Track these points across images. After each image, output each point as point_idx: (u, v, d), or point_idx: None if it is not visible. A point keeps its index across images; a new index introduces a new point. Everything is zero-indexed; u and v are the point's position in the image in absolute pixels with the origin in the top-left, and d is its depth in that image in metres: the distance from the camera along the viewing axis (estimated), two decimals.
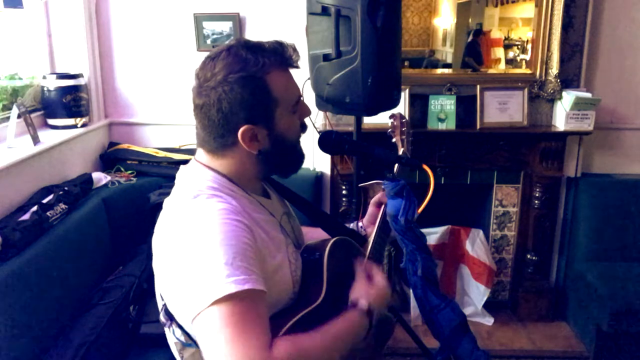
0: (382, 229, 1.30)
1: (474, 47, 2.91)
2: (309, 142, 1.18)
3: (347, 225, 1.43)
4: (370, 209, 1.42)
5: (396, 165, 1.37)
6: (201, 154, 1.12)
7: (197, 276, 0.92)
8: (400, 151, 1.49)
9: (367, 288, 1.14)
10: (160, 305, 1.09)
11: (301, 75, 2.04)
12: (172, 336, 1.09)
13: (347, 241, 1.25)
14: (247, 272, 0.91)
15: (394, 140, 1.52)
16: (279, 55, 1.06)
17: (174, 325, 1.05)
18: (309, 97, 1.97)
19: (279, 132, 1.07)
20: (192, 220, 0.98)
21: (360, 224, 1.45)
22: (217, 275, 0.90)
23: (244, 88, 1.01)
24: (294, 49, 1.09)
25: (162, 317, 1.08)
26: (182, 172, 1.13)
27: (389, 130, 1.55)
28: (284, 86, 1.06)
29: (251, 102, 1.02)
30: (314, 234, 1.34)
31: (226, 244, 0.93)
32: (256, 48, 1.05)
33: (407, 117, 2.62)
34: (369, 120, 2.54)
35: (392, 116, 1.58)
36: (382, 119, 2.27)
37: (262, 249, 1.01)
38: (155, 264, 1.05)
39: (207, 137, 1.08)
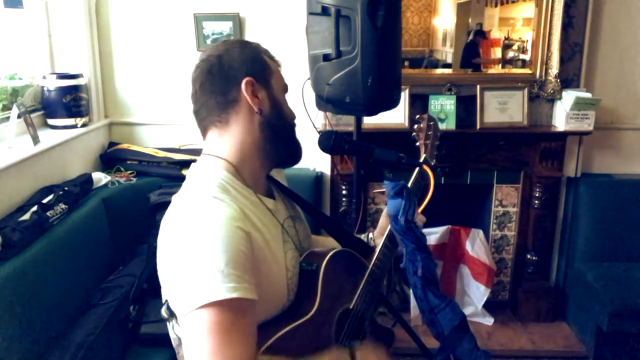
0: (391, 241, 1.29)
1: (473, 47, 2.91)
2: (309, 142, 1.18)
3: (357, 235, 1.41)
4: (382, 220, 1.41)
5: (416, 170, 1.34)
6: (208, 142, 1.13)
7: (190, 278, 0.92)
8: (422, 157, 1.45)
9: (367, 348, 1.13)
10: (164, 300, 1.10)
11: (301, 75, 2.04)
12: (172, 331, 1.10)
13: (348, 253, 1.23)
14: (238, 280, 0.91)
15: (417, 144, 1.48)
16: (265, 50, 1.17)
17: (173, 321, 1.05)
18: (309, 97, 1.97)
19: (276, 98, 1.14)
20: (193, 221, 0.98)
21: (370, 234, 1.43)
22: (207, 280, 0.90)
23: (242, 49, 1.13)
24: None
25: (163, 312, 1.08)
26: (192, 169, 1.13)
27: (413, 133, 1.50)
28: (274, 68, 1.16)
29: (252, 59, 1.12)
30: (324, 243, 1.34)
31: (222, 249, 0.93)
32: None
33: (407, 117, 2.64)
34: (369, 120, 2.54)
35: (418, 118, 1.52)
36: (382, 119, 2.27)
37: (258, 255, 1.01)
38: (158, 260, 1.06)
39: (209, 105, 1.11)
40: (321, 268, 1.12)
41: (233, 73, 1.09)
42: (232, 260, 0.92)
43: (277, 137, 1.13)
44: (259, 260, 1.02)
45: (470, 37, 2.88)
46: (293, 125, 1.18)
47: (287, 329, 1.02)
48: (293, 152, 1.18)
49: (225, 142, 1.10)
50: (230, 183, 1.07)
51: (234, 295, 0.89)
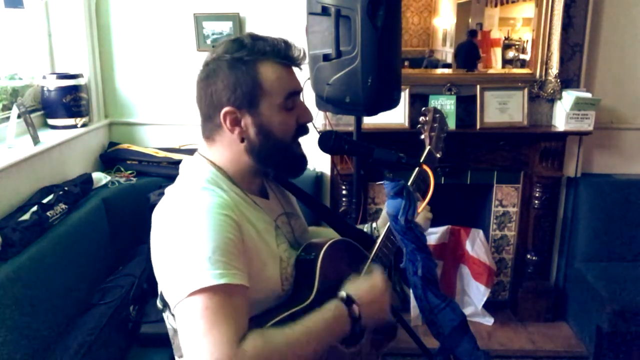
0: (392, 232, 1.28)
1: (471, 48, 2.91)
2: (309, 142, 1.18)
3: (359, 226, 1.41)
4: (385, 211, 1.41)
5: (415, 170, 1.33)
6: (201, 144, 1.14)
7: (179, 267, 0.94)
8: (427, 148, 1.45)
9: (358, 282, 1.12)
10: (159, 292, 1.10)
11: (301, 76, 2.04)
12: (167, 321, 1.11)
13: (348, 243, 1.23)
14: (225, 267, 0.92)
15: (422, 137, 1.48)
16: (279, 50, 1.08)
17: (167, 311, 1.07)
18: (309, 97, 1.97)
19: (264, 122, 1.07)
20: (181, 211, 1.00)
21: (374, 225, 1.44)
22: (195, 268, 0.92)
23: (231, 69, 1.04)
24: (302, 52, 1.11)
25: (158, 303, 1.09)
26: (184, 163, 1.15)
27: (418, 126, 1.50)
28: (275, 78, 1.07)
29: (236, 84, 1.04)
30: (325, 234, 1.34)
31: (209, 237, 0.94)
32: (259, 38, 1.08)
33: (407, 117, 2.64)
34: (369, 120, 2.54)
35: (424, 110, 1.50)
36: (382, 119, 2.27)
37: (249, 245, 1.02)
38: (151, 252, 1.07)
39: (201, 120, 1.11)
40: (319, 257, 1.12)
41: (216, 99, 1.05)
42: (219, 248, 0.94)
43: (267, 160, 1.11)
44: (251, 250, 1.03)
45: (466, 38, 2.89)
46: (287, 145, 1.11)
47: (283, 315, 1.02)
48: (289, 169, 1.16)
49: (214, 153, 1.11)
50: (218, 179, 1.08)
51: (222, 281, 0.91)
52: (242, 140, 1.08)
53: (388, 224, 1.27)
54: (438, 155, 1.46)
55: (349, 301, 1.06)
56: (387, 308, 1.14)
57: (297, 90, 1.12)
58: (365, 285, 1.12)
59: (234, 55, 1.04)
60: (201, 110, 1.10)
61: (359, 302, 1.07)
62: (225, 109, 1.05)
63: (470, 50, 2.91)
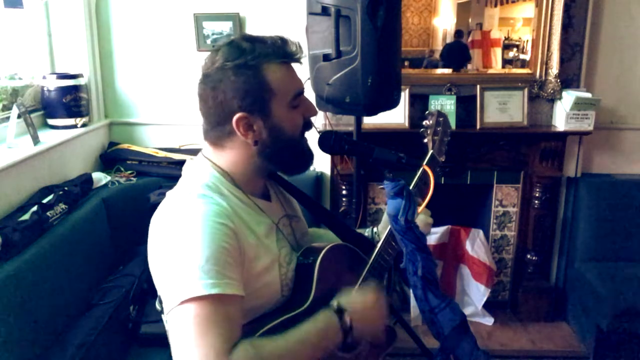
0: (392, 237, 1.27)
1: (459, 48, 2.90)
2: (309, 142, 1.18)
3: (359, 230, 1.40)
4: (386, 215, 1.40)
5: (419, 171, 1.33)
6: (206, 147, 1.13)
7: (172, 274, 0.94)
8: (429, 152, 1.45)
9: (351, 294, 1.11)
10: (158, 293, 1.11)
11: (301, 76, 2.04)
12: (166, 324, 1.10)
13: (347, 247, 1.23)
14: (218, 277, 0.92)
15: (425, 140, 1.48)
16: (278, 48, 1.07)
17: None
18: (309, 97, 1.97)
19: (275, 123, 1.07)
20: (177, 218, 1.00)
21: (375, 229, 1.43)
22: (188, 277, 0.92)
23: (237, 76, 1.03)
24: (298, 46, 1.11)
25: (157, 305, 1.09)
26: (187, 166, 1.14)
27: (421, 129, 1.50)
28: (280, 78, 1.07)
29: (245, 90, 1.04)
30: (326, 236, 1.34)
31: (203, 246, 0.94)
32: (256, 40, 1.07)
33: (407, 117, 2.64)
34: (369, 120, 2.54)
35: (427, 113, 1.50)
36: (382, 119, 2.27)
37: (247, 253, 1.02)
38: (149, 258, 1.07)
39: (208, 127, 1.10)
40: (317, 261, 1.12)
41: (226, 107, 1.05)
42: (213, 257, 0.93)
43: (277, 159, 1.11)
44: (250, 258, 1.02)
45: (454, 38, 2.89)
46: (297, 142, 1.12)
47: (281, 319, 1.02)
48: (298, 164, 1.16)
49: (220, 156, 1.11)
50: (219, 183, 1.08)
51: (214, 291, 0.91)
52: (256, 144, 1.08)
53: (388, 228, 1.27)
54: (441, 160, 1.45)
55: (340, 311, 1.05)
56: (380, 321, 1.13)
57: (302, 90, 1.13)
58: (359, 297, 1.11)
59: (236, 62, 1.03)
60: (208, 119, 1.09)
61: (351, 312, 1.05)
62: (237, 115, 1.04)
63: (459, 51, 2.91)
